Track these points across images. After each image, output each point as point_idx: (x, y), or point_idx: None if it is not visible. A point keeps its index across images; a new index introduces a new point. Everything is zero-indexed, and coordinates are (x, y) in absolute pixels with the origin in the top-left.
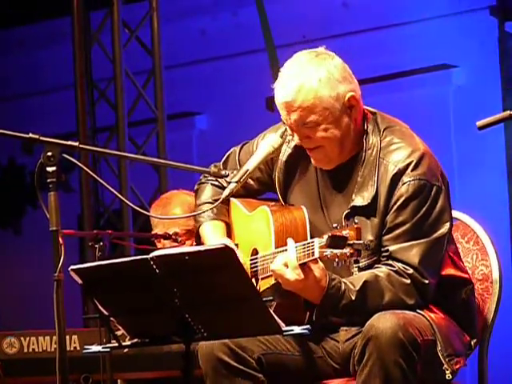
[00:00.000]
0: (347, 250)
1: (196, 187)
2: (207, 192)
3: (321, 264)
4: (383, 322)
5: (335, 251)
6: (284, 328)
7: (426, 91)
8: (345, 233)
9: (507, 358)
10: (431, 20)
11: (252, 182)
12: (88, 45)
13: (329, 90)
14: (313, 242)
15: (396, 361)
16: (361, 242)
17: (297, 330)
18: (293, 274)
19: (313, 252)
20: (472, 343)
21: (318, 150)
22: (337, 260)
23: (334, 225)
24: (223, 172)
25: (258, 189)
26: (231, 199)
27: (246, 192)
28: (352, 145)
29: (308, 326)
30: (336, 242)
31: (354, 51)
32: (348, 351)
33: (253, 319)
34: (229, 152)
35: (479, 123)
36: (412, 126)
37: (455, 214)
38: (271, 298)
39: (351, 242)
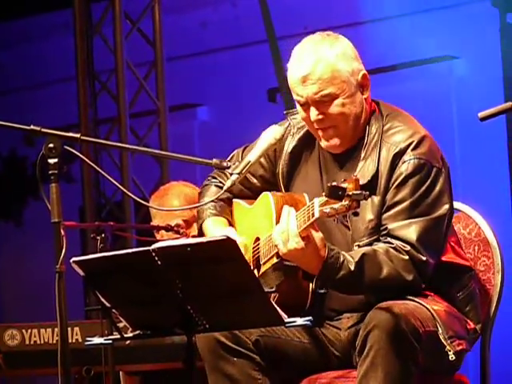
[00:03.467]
0: (346, 202)
1: (200, 190)
2: (210, 192)
3: (320, 234)
4: (384, 312)
5: (335, 206)
6: (286, 320)
7: (427, 82)
8: (343, 185)
9: (509, 349)
10: (433, 11)
11: (255, 181)
12: (89, 36)
13: (345, 64)
14: (313, 203)
15: (397, 352)
16: (359, 192)
17: (299, 321)
18: (292, 243)
19: (313, 213)
20: (477, 328)
21: (331, 129)
22: (337, 216)
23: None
24: (225, 163)
25: (261, 187)
26: (234, 200)
27: (250, 192)
28: (359, 129)
29: (310, 318)
30: (335, 191)
31: (354, 43)
32: (350, 339)
33: (255, 311)
34: (232, 154)
35: (481, 114)
36: (414, 117)
37: (457, 205)
38: (273, 289)
39: (350, 192)
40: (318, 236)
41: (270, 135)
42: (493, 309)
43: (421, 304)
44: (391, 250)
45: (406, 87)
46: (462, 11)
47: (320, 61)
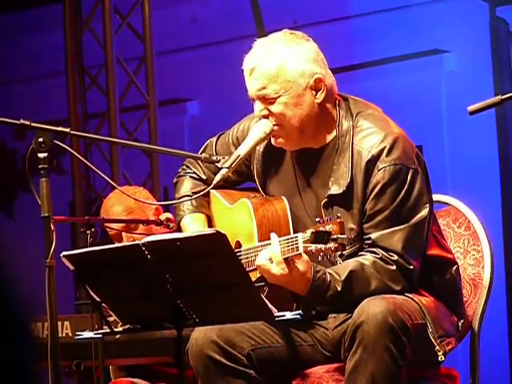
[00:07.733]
0: (331, 245)
1: (175, 180)
2: (186, 185)
3: (305, 257)
4: (373, 307)
5: (319, 246)
6: (276, 313)
7: (417, 76)
8: (328, 228)
9: (498, 344)
10: (423, 5)
11: (230, 174)
12: (79, 31)
13: (295, 64)
14: (296, 237)
15: (386, 346)
16: (344, 236)
17: (288, 315)
18: (277, 269)
19: (297, 247)
20: (459, 324)
21: (277, 127)
22: (321, 254)
23: (317, 219)
24: (214, 157)
25: (236, 180)
26: (211, 191)
27: (224, 183)
28: (323, 131)
29: (300, 312)
30: (320, 237)
31: (344, 36)
32: (338, 338)
33: (245, 305)
34: (206, 143)
35: (470, 108)
36: (404, 112)
37: (447, 199)
38: (263, 283)
39: (335, 236)
40: (302, 260)
41: (259, 129)
42: (483, 302)
43: (409, 297)
44: (378, 260)
45: (395, 81)
46: (451, 5)
47: (268, 56)
